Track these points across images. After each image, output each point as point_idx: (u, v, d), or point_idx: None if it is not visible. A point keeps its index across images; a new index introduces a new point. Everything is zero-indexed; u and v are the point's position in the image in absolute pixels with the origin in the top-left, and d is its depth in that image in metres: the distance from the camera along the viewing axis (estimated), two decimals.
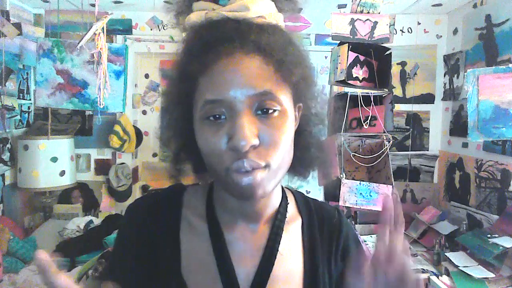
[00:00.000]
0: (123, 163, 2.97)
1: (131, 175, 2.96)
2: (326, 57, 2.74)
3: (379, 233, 0.53)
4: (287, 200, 0.69)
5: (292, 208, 0.70)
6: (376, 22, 2.07)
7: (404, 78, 3.00)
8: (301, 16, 2.91)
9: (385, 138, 2.18)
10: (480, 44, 2.50)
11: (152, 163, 3.15)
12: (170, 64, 0.65)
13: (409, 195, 2.95)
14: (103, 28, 1.88)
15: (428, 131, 3.02)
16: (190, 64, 0.57)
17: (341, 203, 2.00)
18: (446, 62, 2.92)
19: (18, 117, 2.67)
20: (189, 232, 0.64)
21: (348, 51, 2.04)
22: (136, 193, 3.05)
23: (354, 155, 2.19)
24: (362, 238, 2.25)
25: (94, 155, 3.01)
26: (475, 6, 2.58)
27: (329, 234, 0.69)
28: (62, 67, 2.31)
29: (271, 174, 0.55)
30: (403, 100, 2.98)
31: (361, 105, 2.22)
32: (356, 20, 2.06)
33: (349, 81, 2.08)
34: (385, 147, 2.15)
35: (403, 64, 2.98)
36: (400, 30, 2.97)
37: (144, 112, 3.13)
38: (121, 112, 2.69)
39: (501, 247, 1.93)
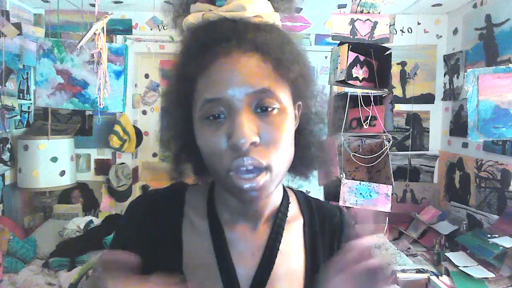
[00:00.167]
0: (123, 163, 2.97)
1: (131, 175, 2.96)
2: (326, 57, 2.74)
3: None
4: (289, 200, 0.69)
5: (293, 207, 0.70)
6: (376, 22, 2.07)
7: (404, 78, 3.00)
8: (301, 16, 2.91)
9: (385, 138, 2.18)
10: (480, 44, 2.50)
11: (152, 163, 3.16)
12: (170, 65, 0.65)
13: (409, 195, 2.95)
14: (103, 28, 1.88)
15: (428, 131, 3.02)
16: (188, 65, 0.57)
17: (341, 203, 2.00)
18: (446, 62, 2.92)
19: (18, 117, 2.67)
20: (191, 231, 0.64)
21: (348, 51, 2.04)
22: (136, 193, 3.05)
23: (354, 155, 2.19)
24: None
25: (94, 155, 3.01)
26: (475, 6, 2.58)
27: (330, 233, 0.69)
28: (62, 67, 2.31)
29: (273, 177, 0.55)
30: (403, 100, 2.98)
31: (361, 105, 2.22)
32: (356, 20, 2.06)
33: (349, 81, 2.08)
34: (385, 147, 2.15)
35: (403, 64, 2.98)
36: (400, 30, 2.97)
37: (144, 112, 3.13)
38: (121, 112, 2.69)
39: (501, 247, 1.93)
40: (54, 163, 2.45)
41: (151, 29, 2.97)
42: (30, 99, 2.82)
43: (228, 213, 0.64)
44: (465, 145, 2.65)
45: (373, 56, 2.18)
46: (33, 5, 2.83)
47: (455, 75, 2.79)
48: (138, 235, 0.64)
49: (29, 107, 2.83)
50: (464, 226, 2.39)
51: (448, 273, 2.00)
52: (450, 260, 2.06)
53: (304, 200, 0.73)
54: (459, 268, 1.98)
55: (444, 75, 2.94)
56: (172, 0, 0.65)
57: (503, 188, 2.24)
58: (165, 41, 2.93)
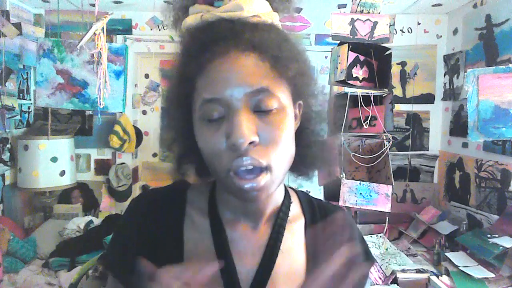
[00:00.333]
0: (123, 163, 2.97)
1: (131, 175, 2.96)
2: (326, 57, 2.74)
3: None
4: (290, 199, 0.69)
5: (295, 207, 0.69)
6: (376, 22, 2.07)
7: (404, 78, 3.00)
8: (300, 16, 2.92)
9: (385, 138, 2.18)
10: (480, 44, 2.50)
11: (152, 163, 3.16)
12: (170, 65, 0.66)
13: (409, 195, 2.95)
14: (103, 28, 1.88)
15: (428, 131, 3.02)
16: (187, 66, 0.57)
17: (341, 203, 2.00)
18: (446, 62, 2.92)
19: (18, 117, 2.67)
20: (192, 229, 0.64)
21: (348, 51, 2.04)
22: (136, 193, 3.04)
23: (354, 155, 2.19)
24: None
25: (94, 155, 3.01)
26: (475, 6, 2.58)
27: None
28: (62, 67, 2.31)
29: (274, 176, 0.55)
30: (403, 100, 2.98)
31: (361, 105, 2.22)
32: (356, 20, 2.06)
33: (349, 81, 2.08)
34: (385, 147, 2.15)
35: (403, 64, 2.98)
36: (400, 30, 2.97)
37: (144, 112, 3.13)
38: (121, 112, 2.69)
39: (501, 247, 1.92)
40: (54, 163, 2.45)
41: (151, 29, 2.97)
42: (30, 99, 2.82)
43: (229, 212, 0.64)
44: (465, 145, 2.65)
45: (373, 56, 2.18)
46: (33, 5, 2.83)
47: (455, 75, 2.79)
48: (139, 233, 0.64)
49: (29, 107, 2.83)
50: (464, 226, 2.39)
51: (448, 273, 2.00)
52: (450, 260, 2.06)
53: (306, 200, 0.72)
54: (459, 268, 1.97)
55: (444, 75, 2.94)
56: (172, 2, 0.65)
57: (503, 188, 2.24)
58: (165, 41, 2.93)
